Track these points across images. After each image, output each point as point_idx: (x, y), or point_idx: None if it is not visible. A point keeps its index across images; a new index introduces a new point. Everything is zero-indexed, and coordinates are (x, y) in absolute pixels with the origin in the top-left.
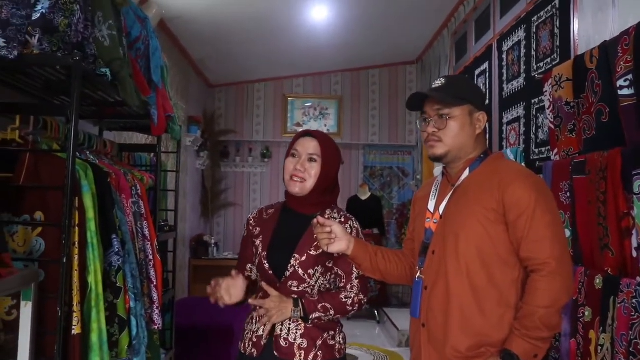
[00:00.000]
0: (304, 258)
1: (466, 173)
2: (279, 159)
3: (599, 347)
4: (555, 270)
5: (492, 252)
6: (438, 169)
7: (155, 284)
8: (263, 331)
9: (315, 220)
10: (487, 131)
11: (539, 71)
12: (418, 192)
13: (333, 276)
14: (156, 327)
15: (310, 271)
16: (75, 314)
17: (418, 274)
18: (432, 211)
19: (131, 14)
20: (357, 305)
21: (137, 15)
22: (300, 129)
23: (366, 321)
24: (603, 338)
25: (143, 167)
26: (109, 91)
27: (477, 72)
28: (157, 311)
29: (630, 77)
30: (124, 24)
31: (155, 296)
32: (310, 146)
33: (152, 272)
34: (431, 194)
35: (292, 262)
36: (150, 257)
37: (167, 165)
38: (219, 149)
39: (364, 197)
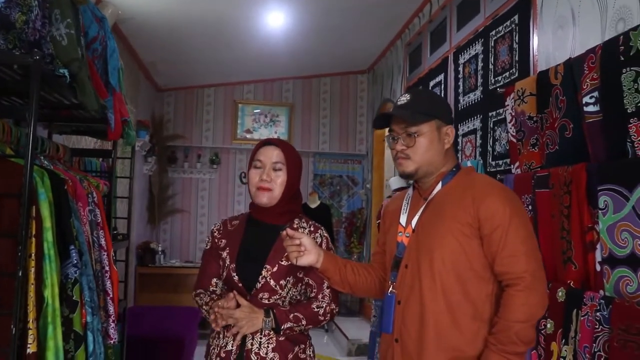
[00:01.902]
0: (275, 269)
1: (438, 187)
2: (228, 165)
3: (561, 359)
4: (530, 285)
5: (467, 267)
6: (394, 180)
7: (111, 296)
8: (232, 345)
9: (284, 233)
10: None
11: (497, 85)
12: (388, 204)
13: (304, 287)
14: (112, 341)
15: (282, 282)
16: (30, 331)
17: (390, 289)
18: (404, 225)
19: (88, 13)
20: (329, 315)
21: (94, 14)
22: (249, 136)
23: (314, 330)
24: (565, 350)
25: (93, 172)
26: (65, 93)
27: (431, 83)
28: (113, 325)
29: (595, 94)
30: (81, 24)
31: (111, 309)
32: (273, 155)
33: (108, 283)
34: (402, 208)
35: (264, 273)
36: (107, 268)
37: (116, 171)
38: (167, 154)
39: (313, 205)
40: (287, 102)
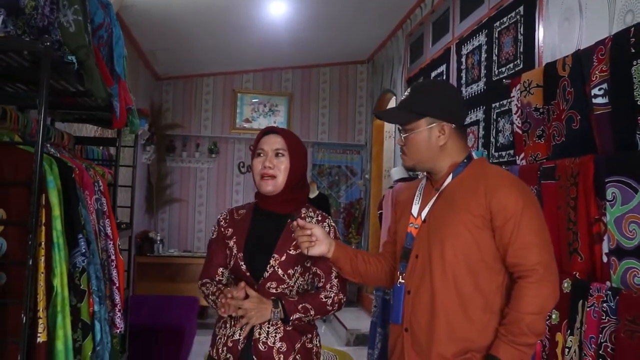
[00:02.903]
0: (283, 258)
1: (449, 178)
2: (227, 155)
3: (566, 350)
4: (543, 277)
5: (478, 258)
6: (395, 170)
7: (117, 285)
8: (240, 335)
9: (295, 223)
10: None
11: (501, 76)
12: (400, 194)
13: (311, 276)
14: (118, 330)
15: (290, 271)
16: (41, 320)
17: (399, 279)
18: (415, 216)
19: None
20: (337, 304)
21: (100, 0)
22: (248, 125)
23: None
24: (570, 340)
25: (95, 161)
26: (71, 80)
27: (433, 74)
28: (119, 314)
29: (604, 86)
30: (88, 10)
31: (117, 298)
32: (275, 142)
33: (114, 272)
34: (415, 198)
35: (272, 262)
36: (113, 257)
37: (119, 159)
38: (165, 143)
39: (312, 195)
40: (286, 91)
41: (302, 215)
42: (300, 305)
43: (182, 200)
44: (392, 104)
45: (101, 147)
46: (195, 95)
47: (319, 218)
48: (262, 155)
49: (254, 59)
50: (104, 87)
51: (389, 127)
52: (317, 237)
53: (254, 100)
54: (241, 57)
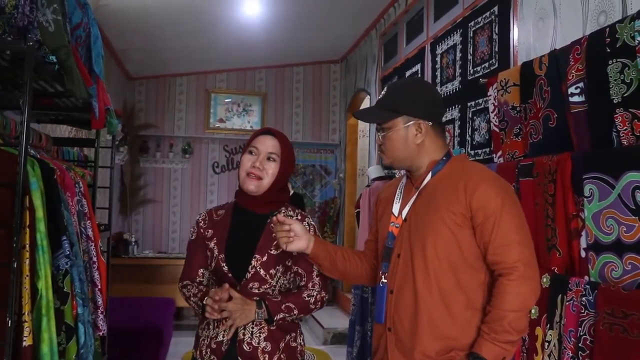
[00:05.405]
0: (265, 258)
1: (429, 176)
2: (201, 155)
3: (546, 343)
4: (523, 274)
5: (460, 256)
6: (372, 169)
7: (99, 287)
8: (224, 336)
9: (274, 218)
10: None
11: (476, 75)
12: (382, 192)
13: (292, 275)
14: (101, 333)
15: (272, 271)
16: (26, 324)
17: (382, 279)
18: (396, 215)
19: None
20: (319, 303)
21: (77, 0)
22: (222, 125)
23: None
24: (550, 334)
25: (71, 162)
26: (50, 81)
27: (408, 73)
28: (101, 316)
29: (581, 85)
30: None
31: (99, 300)
32: (270, 145)
33: (95, 274)
34: (396, 197)
35: (253, 262)
36: (95, 259)
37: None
38: (139, 144)
39: None
40: (260, 91)
41: (283, 214)
42: (284, 305)
43: (156, 201)
44: (366, 102)
45: (75, 148)
46: (169, 95)
47: (299, 217)
48: (253, 153)
49: (227, 59)
50: (84, 87)
51: (363, 126)
52: (296, 233)
53: (227, 100)
54: (214, 57)
